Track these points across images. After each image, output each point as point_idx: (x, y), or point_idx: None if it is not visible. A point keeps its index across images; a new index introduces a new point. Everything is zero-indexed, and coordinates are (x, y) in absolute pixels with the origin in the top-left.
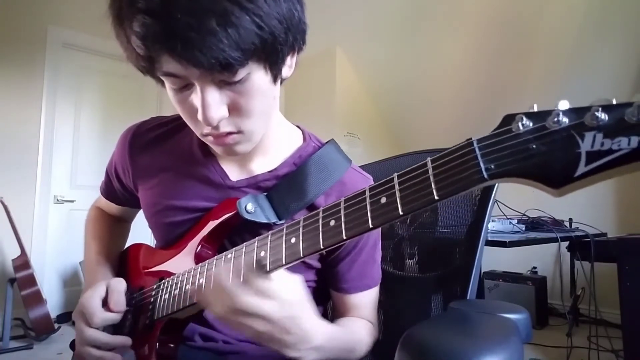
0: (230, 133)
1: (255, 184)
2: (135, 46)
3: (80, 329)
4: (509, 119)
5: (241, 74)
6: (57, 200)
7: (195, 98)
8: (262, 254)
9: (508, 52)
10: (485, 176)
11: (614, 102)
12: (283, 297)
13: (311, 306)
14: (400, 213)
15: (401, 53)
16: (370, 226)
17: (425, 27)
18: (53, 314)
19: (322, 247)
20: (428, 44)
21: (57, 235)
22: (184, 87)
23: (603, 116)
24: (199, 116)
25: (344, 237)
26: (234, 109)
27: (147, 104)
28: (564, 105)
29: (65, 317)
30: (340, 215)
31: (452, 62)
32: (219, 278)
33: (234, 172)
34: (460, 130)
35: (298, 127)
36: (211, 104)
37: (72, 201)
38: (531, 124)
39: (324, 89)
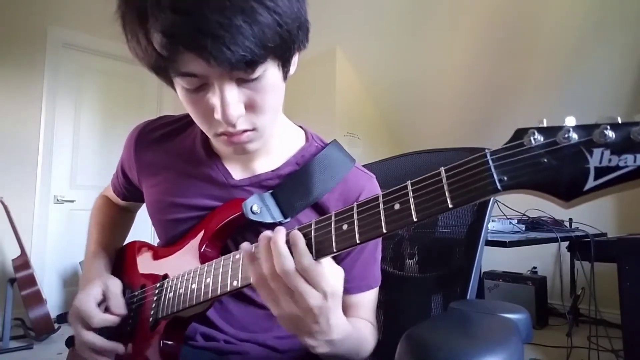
0: (245, 130)
1: (258, 183)
2: (158, 45)
3: (78, 331)
4: (521, 133)
5: (259, 71)
6: (57, 200)
7: (213, 97)
8: None
9: (508, 53)
10: (499, 187)
11: (619, 120)
12: (325, 286)
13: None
14: (415, 219)
15: (401, 53)
16: (384, 231)
17: (425, 27)
18: (53, 314)
19: (335, 250)
20: (428, 44)
21: (57, 235)
22: (199, 87)
23: (610, 134)
24: (218, 115)
25: (357, 241)
26: (250, 106)
27: (147, 104)
28: (572, 121)
29: (65, 317)
30: (354, 220)
31: (452, 62)
32: (277, 238)
33: (237, 172)
34: (460, 131)
35: (301, 127)
36: (231, 103)
37: (72, 201)
38: (542, 139)
39: (324, 89)
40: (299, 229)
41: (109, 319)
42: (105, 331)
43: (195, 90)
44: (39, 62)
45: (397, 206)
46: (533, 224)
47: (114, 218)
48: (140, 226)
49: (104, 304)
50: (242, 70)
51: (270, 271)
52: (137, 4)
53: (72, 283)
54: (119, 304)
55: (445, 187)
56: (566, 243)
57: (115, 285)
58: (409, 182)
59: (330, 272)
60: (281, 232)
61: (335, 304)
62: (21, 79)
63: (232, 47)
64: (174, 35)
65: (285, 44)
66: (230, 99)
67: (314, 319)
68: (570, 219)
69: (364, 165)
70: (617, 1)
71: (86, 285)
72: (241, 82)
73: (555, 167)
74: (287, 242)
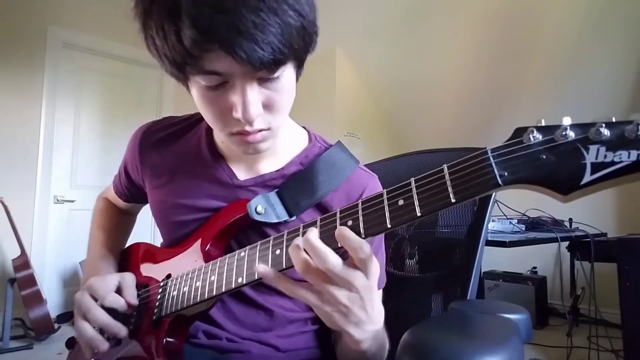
0: (260, 130)
1: (262, 183)
2: (189, 41)
3: (87, 305)
4: (520, 132)
5: (279, 71)
6: (57, 200)
7: (234, 96)
8: (278, 252)
9: (508, 52)
10: (499, 182)
11: (614, 119)
12: (371, 268)
13: None
14: (419, 214)
15: (401, 53)
16: (389, 226)
17: (425, 27)
18: (53, 314)
19: (339, 245)
20: (428, 44)
21: (57, 235)
22: (218, 85)
23: (606, 132)
24: (238, 114)
25: (363, 237)
26: (267, 106)
27: (147, 104)
28: (568, 121)
29: (65, 317)
30: (358, 216)
31: (452, 62)
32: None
33: (241, 172)
34: (459, 131)
35: (304, 127)
36: (252, 102)
37: (72, 201)
38: (541, 137)
39: (324, 89)
40: (303, 227)
41: (120, 302)
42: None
43: (214, 88)
44: (39, 62)
45: (401, 202)
46: (533, 224)
47: (116, 221)
48: (141, 227)
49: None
50: (268, 70)
51: (315, 272)
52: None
53: (72, 283)
54: (133, 294)
55: (448, 183)
56: (566, 243)
57: (130, 279)
58: (412, 179)
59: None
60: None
61: (376, 287)
62: (21, 79)
63: (263, 46)
64: (209, 32)
65: (305, 46)
66: (251, 97)
67: (362, 305)
68: (570, 219)
69: (364, 166)
70: (616, 1)
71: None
72: (262, 81)
73: (554, 162)
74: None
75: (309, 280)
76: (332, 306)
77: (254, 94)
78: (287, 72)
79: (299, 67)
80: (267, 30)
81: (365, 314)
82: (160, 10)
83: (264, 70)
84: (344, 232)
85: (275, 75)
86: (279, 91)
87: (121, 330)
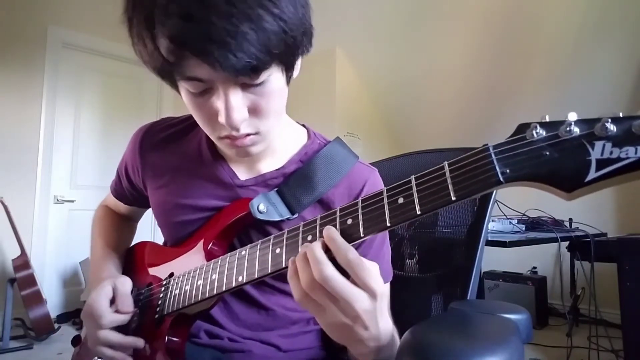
0: (248, 134)
1: (263, 182)
2: (165, 50)
3: (92, 330)
4: (523, 128)
5: (263, 76)
6: (57, 200)
7: (217, 101)
8: (278, 250)
9: (508, 52)
10: (501, 179)
11: (621, 115)
12: (374, 285)
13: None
14: (418, 212)
15: (401, 53)
16: (388, 224)
17: (425, 27)
18: (53, 314)
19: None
20: (428, 44)
21: (57, 235)
22: (204, 91)
23: (612, 127)
24: (222, 119)
25: (362, 235)
26: (254, 111)
27: (147, 104)
28: (573, 116)
29: (65, 317)
30: (358, 214)
31: (452, 62)
32: (312, 246)
33: (242, 172)
34: (460, 131)
35: (303, 125)
36: (235, 107)
37: (72, 201)
38: (544, 133)
39: (324, 89)
40: (303, 225)
41: (119, 319)
42: (114, 329)
43: (200, 94)
44: (39, 62)
45: (401, 200)
46: (533, 224)
47: (117, 227)
48: (141, 227)
49: (114, 304)
50: (247, 76)
51: (309, 281)
52: (144, 9)
53: (72, 283)
54: (125, 303)
55: (449, 181)
56: (566, 243)
57: (123, 284)
58: (412, 177)
59: (376, 269)
60: (317, 242)
61: (383, 305)
62: (21, 79)
63: (237, 53)
64: (181, 41)
65: (289, 49)
66: (234, 103)
67: (363, 324)
68: (570, 219)
69: None
70: (616, 1)
71: (98, 285)
72: (246, 86)
73: (557, 159)
74: (324, 249)
75: (313, 296)
76: (332, 322)
77: (237, 99)
78: (273, 77)
79: (288, 70)
80: (240, 38)
81: (369, 332)
82: (138, 19)
83: (244, 77)
84: (331, 232)
85: (259, 81)
86: (265, 96)
87: (137, 342)
